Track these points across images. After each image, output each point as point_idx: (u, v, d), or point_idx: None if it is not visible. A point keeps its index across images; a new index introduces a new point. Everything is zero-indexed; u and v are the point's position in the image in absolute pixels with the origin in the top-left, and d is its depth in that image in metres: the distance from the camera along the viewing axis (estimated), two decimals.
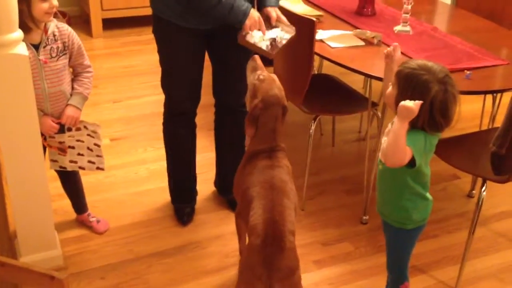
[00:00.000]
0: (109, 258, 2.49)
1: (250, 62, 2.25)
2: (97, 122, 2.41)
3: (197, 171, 2.78)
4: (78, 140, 2.38)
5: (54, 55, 2.21)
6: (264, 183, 2.02)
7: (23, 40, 2.08)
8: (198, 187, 2.82)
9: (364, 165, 2.88)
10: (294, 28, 2.35)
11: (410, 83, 1.77)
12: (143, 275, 2.42)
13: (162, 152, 2.76)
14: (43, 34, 2.18)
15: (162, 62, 2.49)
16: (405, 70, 1.80)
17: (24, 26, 2.09)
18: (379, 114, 2.78)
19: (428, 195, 1.96)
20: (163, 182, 2.85)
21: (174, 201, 2.79)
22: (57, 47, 2.22)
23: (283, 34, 2.35)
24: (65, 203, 2.68)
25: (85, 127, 2.38)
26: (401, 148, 1.75)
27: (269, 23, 2.34)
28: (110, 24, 4.93)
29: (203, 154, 2.92)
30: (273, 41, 2.32)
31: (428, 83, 1.74)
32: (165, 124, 2.64)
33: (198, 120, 2.65)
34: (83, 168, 2.44)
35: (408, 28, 2.88)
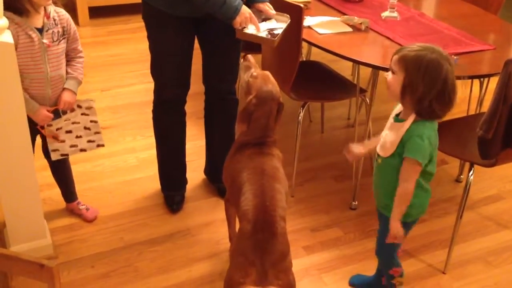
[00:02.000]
0: (99, 246, 2.49)
1: (243, 62, 2.25)
2: (90, 98, 2.40)
3: (186, 159, 2.78)
4: (74, 123, 2.37)
5: (55, 39, 2.20)
6: (254, 169, 2.03)
7: (27, 24, 2.09)
8: (188, 175, 2.82)
9: None
10: (288, 16, 2.35)
11: (420, 64, 1.76)
12: (133, 263, 2.43)
13: (151, 140, 2.75)
14: (45, 18, 2.16)
15: (152, 48, 2.48)
16: (410, 53, 1.79)
17: (23, 9, 2.07)
18: (368, 100, 2.79)
19: (427, 186, 1.97)
20: (153, 170, 2.85)
21: (164, 189, 2.79)
22: (58, 31, 2.21)
23: (278, 24, 2.36)
24: (54, 192, 2.68)
25: (78, 106, 2.37)
26: (413, 186, 1.87)
27: (261, 17, 2.36)
28: (97, 12, 4.89)
29: (192, 142, 2.92)
30: (271, 30, 2.33)
31: (439, 61, 1.76)
32: (155, 111, 2.63)
33: (187, 108, 2.64)
34: (84, 150, 2.43)
35: (395, 14, 2.88)
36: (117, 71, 4.09)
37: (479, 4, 3.17)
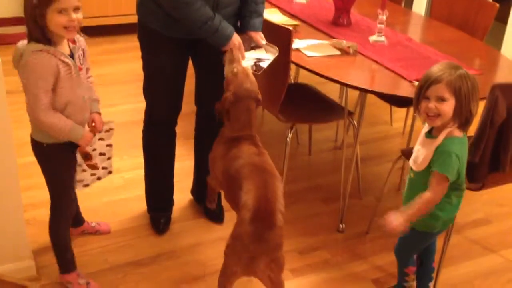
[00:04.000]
0: (83, 268, 2.44)
1: (227, 54, 2.28)
2: (109, 119, 2.31)
3: (174, 180, 2.76)
4: (93, 150, 2.27)
5: (82, 62, 2.14)
6: (255, 165, 2.07)
7: (57, 51, 1.98)
8: (174, 196, 2.80)
9: (340, 173, 2.89)
10: (277, 48, 2.38)
11: (466, 81, 1.87)
12: (118, 285, 2.39)
13: (137, 160, 2.73)
14: (69, 43, 2.08)
15: (146, 68, 2.48)
16: (451, 77, 1.86)
17: (52, 39, 1.97)
18: (355, 123, 2.80)
19: (456, 201, 2.04)
20: (139, 190, 2.83)
21: (150, 210, 2.77)
22: (81, 54, 2.15)
23: (266, 55, 2.38)
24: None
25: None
26: (437, 200, 1.93)
27: (251, 44, 2.39)
28: (85, 32, 4.86)
29: (180, 163, 2.89)
30: (258, 61, 2.36)
31: (469, 73, 1.89)
32: (145, 131, 2.62)
33: (176, 128, 2.63)
34: (99, 179, 2.33)
35: (383, 38, 2.91)
36: (105, 91, 4.03)
37: (465, 29, 3.21)
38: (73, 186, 2.23)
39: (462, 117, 1.90)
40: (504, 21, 4.44)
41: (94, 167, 2.22)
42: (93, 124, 2.20)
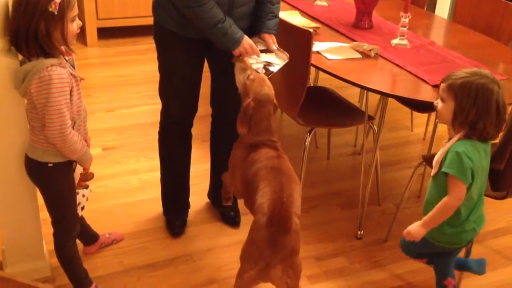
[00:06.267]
0: (98, 270, 2.43)
1: (237, 63, 2.26)
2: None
3: (190, 183, 2.73)
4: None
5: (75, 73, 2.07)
6: (273, 168, 2.04)
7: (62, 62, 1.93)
8: (190, 199, 2.77)
9: (359, 179, 2.84)
10: (287, 54, 2.35)
11: (469, 90, 1.79)
12: None
13: (154, 162, 2.71)
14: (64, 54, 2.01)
15: (161, 69, 2.46)
16: (457, 81, 1.82)
17: (58, 51, 1.90)
18: (375, 128, 2.75)
19: (465, 210, 1.95)
20: (155, 193, 2.80)
21: (166, 212, 2.74)
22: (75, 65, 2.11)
23: (277, 60, 2.35)
24: None
25: None
26: (454, 204, 1.87)
27: (264, 47, 2.35)
28: (105, 33, 4.90)
29: (196, 165, 2.87)
30: (268, 64, 2.33)
31: (488, 86, 1.78)
32: (161, 133, 2.60)
33: (192, 130, 2.60)
34: (87, 199, 2.29)
35: (405, 41, 2.86)
36: (123, 92, 4.08)
37: (489, 34, 3.14)
38: (76, 204, 2.18)
39: (464, 125, 1.83)
40: None
41: (86, 186, 2.21)
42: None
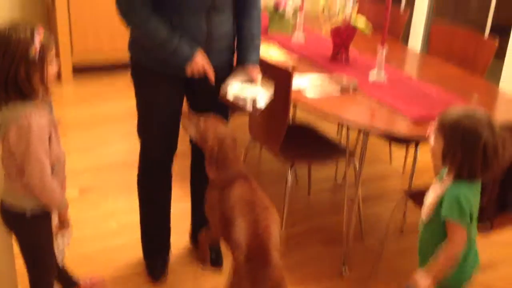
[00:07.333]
0: None
1: (182, 120, 2.31)
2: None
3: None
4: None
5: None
6: (246, 201, 2.02)
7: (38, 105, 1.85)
8: (171, 239, 2.69)
9: (340, 214, 2.81)
10: (273, 83, 2.32)
11: (457, 133, 1.77)
12: None
13: (133, 203, 2.64)
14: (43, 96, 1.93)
15: (139, 107, 2.41)
16: (447, 120, 1.80)
17: (36, 92, 1.83)
18: (356, 163, 2.73)
19: (466, 260, 1.91)
20: (134, 236, 2.72)
21: (146, 256, 2.66)
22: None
23: (262, 92, 2.30)
24: None
25: None
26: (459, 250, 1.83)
27: (248, 78, 2.31)
28: (80, 70, 4.84)
29: (176, 204, 2.81)
30: (254, 103, 2.27)
31: (477, 129, 1.75)
32: (140, 173, 2.54)
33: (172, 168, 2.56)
34: (68, 243, 2.20)
35: (382, 75, 2.87)
36: (99, 130, 4.01)
37: (465, 66, 3.18)
38: (53, 251, 2.10)
39: (453, 164, 1.80)
40: (501, 57, 4.43)
41: (64, 233, 2.13)
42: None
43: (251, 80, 2.32)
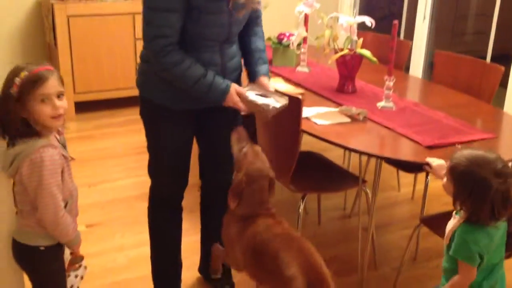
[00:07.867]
0: None
1: (233, 133, 2.20)
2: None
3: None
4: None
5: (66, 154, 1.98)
6: (281, 236, 1.98)
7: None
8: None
9: (352, 243, 2.77)
10: (287, 97, 2.29)
11: (467, 182, 1.75)
12: None
13: (141, 237, 2.60)
14: (56, 134, 1.95)
15: (151, 145, 2.38)
16: (459, 167, 1.77)
17: (37, 132, 1.83)
18: (368, 191, 2.71)
19: (487, 284, 1.88)
20: (144, 270, 2.67)
21: None
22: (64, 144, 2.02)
23: (276, 103, 2.26)
24: None
25: None
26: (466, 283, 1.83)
27: (261, 91, 2.28)
28: (82, 106, 4.84)
29: (185, 238, 2.76)
30: (266, 106, 2.23)
31: (487, 180, 1.72)
32: (151, 210, 2.50)
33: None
34: (82, 278, 2.15)
35: (391, 104, 2.87)
36: (103, 166, 3.98)
37: (470, 93, 3.19)
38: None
39: (470, 214, 1.78)
40: (503, 85, 4.45)
41: (77, 268, 2.09)
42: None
43: (265, 94, 2.28)
